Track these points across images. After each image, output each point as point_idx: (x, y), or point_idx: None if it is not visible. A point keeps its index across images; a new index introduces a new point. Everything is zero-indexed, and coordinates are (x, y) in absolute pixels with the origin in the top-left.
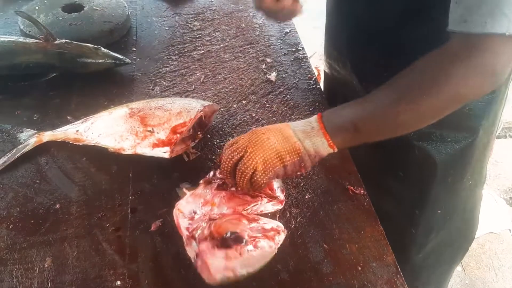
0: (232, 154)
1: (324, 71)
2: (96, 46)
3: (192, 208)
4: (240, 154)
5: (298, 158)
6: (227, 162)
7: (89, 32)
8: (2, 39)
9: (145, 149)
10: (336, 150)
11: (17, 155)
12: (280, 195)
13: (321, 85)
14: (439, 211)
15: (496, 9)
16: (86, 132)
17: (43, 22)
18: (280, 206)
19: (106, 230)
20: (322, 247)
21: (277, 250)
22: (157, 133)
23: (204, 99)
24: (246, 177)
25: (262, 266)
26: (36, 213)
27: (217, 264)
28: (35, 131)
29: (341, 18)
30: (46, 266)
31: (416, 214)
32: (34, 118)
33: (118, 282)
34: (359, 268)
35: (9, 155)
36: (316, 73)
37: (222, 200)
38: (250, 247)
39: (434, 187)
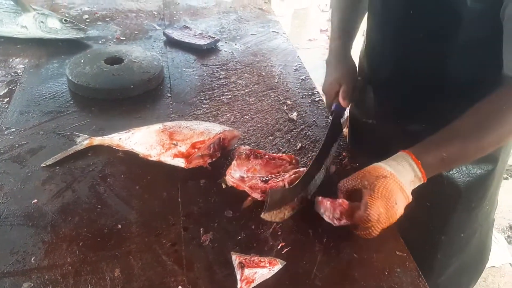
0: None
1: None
2: None
3: (240, 174)
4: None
5: None
6: (349, 184)
7: (131, 81)
8: None
9: (167, 158)
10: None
11: (71, 152)
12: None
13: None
14: (462, 235)
15: None
16: (126, 140)
17: (90, 73)
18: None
19: (164, 245)
20: (352, 256)
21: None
22: (180, 146)
23: None
24: (369, 220)
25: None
26: (101, 232)
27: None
28: (88, 136)
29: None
30: (116, 275)
31: (442, 239)
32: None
33: (180, 287)
34: (386, 273)
35: (67, 150)
36: None
37: (258, 167)
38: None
39: (458, 213)
